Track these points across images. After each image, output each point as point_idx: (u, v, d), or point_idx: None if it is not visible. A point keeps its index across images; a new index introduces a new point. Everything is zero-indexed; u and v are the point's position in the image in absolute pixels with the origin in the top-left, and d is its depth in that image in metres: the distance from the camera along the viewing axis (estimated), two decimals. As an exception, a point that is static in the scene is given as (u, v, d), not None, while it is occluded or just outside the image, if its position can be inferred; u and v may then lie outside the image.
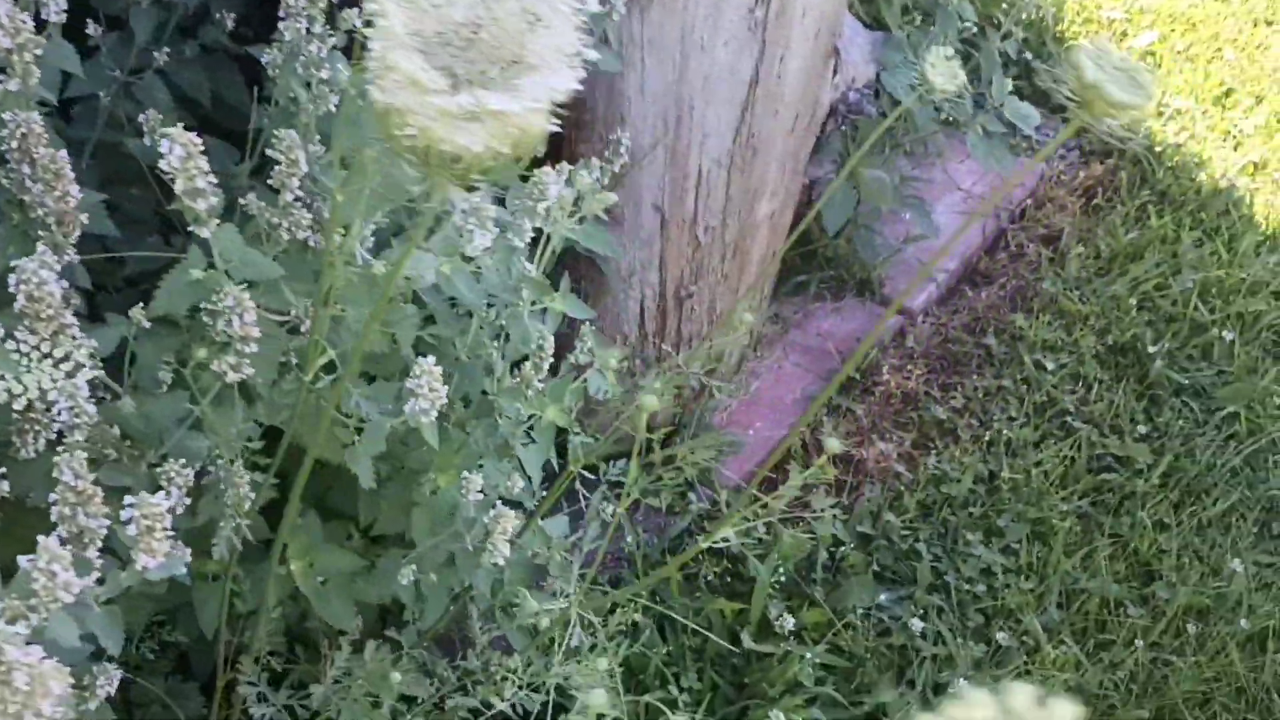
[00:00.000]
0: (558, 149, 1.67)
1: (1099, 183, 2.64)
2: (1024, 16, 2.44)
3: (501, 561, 1.12)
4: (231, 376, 0.97)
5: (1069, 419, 2.11)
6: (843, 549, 1.86)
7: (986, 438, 2.06)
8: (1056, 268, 2.40)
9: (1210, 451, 2.05)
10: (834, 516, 1.92)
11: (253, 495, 1.09)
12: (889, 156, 2.36)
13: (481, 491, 1.12)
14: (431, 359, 1.00)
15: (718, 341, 1.98)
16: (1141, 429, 2.09)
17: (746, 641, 1.68)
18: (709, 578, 1.79)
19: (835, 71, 1.94)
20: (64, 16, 1.10)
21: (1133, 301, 2.28)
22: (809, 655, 1.64)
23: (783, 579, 1.75)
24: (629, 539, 1.80)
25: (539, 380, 1.20)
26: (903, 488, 1.98)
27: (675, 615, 1.73)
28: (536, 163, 1.59)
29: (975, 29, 2.29)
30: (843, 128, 2.02)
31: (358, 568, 1.19)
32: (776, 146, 1.80)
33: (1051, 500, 1.96)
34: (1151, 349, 2.19)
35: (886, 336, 2.25)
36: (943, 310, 2.35)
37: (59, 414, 0.94)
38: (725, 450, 2.01)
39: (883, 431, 2.09)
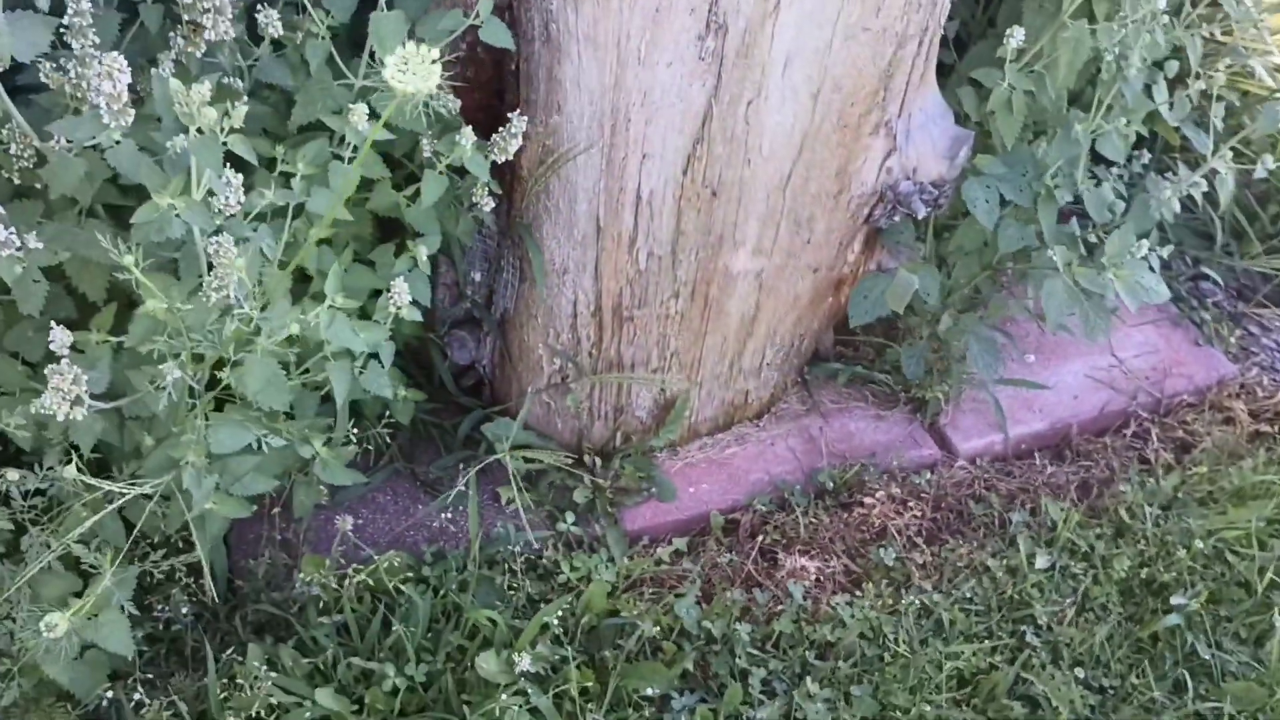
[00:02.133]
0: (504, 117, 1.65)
1: (1295, 412, 2.17)
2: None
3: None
4: None
5: (1029, 631, 1.78)
6: (668, 635, 1.71)
7: (923, 605, 1.79)
8: (1155, 477, 2.02)
9: (1159, 739, 1.65)
10: (696, 602, 1.77)
11: None
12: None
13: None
14: None
15: (651, 379, 1.87)
16: (1104, 680, 1.73)
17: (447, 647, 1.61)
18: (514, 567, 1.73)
19: (890, 154, 1.74)
20: None
21: (1201, 545, 1.87)
22: (516, 705, 1.54)
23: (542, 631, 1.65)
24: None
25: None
26: (796, 611, 1.77)
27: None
28: (486, 128, 1.59)
29: (1139, 169, 1.97)
30: (894, 218, 1.81)
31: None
32: (756, 199, 1.67)
33: (934, 699, 1.68)
34: (1177, 600, 1.79)
35: (899, 462, 2.01)
36: (994, 466, 2.06)
37: None
38: (644, 490, 1.91)
39: (828, 553, 1.88)
